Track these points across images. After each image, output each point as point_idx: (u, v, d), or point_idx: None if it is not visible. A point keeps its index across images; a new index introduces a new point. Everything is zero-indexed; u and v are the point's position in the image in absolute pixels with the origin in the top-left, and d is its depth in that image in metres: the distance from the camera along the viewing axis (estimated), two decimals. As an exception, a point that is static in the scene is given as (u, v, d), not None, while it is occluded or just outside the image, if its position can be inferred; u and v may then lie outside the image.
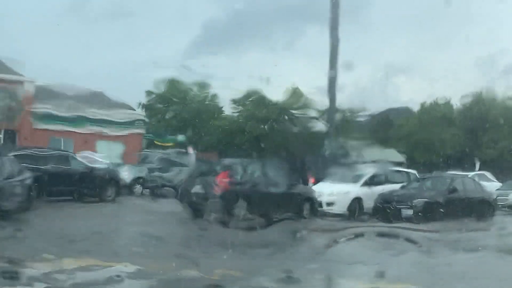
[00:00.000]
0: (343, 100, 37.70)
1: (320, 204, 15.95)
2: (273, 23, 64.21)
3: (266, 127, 41.57)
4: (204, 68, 58.20)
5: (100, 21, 60.06)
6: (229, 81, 61.00)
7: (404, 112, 46.26)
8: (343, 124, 38.41)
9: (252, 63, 57.94)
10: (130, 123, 34.36)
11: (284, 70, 56.52)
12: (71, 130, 30.80)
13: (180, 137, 38.45)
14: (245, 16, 62.09)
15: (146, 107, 41.90)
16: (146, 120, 38.07)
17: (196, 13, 71.93)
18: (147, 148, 32.42)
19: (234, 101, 41.94)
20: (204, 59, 60.14)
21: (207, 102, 43.54)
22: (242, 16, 60.75)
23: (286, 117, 41.57)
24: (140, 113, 38.26)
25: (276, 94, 41.44)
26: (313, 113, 41.38)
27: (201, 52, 73.12)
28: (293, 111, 41.42)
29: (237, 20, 61.60)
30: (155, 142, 36.70)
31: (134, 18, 65.70)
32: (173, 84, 42.49)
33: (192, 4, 69.22)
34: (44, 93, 30.11)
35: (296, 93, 40.97)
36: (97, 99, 33.99)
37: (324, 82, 30.82)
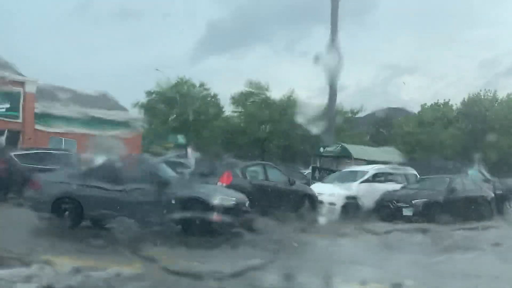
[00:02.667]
0: (344, 100, 37.78)
1: (321, 203, 16.04)
2: (277, 24, 64.33)
3: (267, 128, 41.52)
4: (207, 68, 58.11)
5: (105, 22, 60.29)
6: (231, 81, 61.06)
7: (403, 112, 46.36)
8: (343, 124, 38.47)
9: (256, 63, 58.13)
10: (130, 124, 34.40)
11: (287, 71, 56.69)
12: (73, 130, 30.87)
13: (180, 139, 38.46)
14: (250, 17, 62.27)
15: (146, 107, 41.70)
16: (144, 123, 38.04)
17: (200, 14, 72.22)
18: (147, 149, 32.45)
19: (234, 101, 41.88)
20: (207, 59, 60.23)
21: (207, 102, 43.42)
22: (247, 16, 60.86)
23: (287, 118, 41.45)
24: (139, 116, 38.28)
25: (278, 94, 41.56)
26: (313, 114, 41.30)
27: (204, 52, 73.35)
28: (294, 112, 41.33)
29: (241, 20, 61.74)
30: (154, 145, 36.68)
31: (138, 18, 65.86)
32: (179, 83, 42.27)
33: (196, 5, 69.33)
34: (47, 94, 30.19)
35: (294, 96, 41.03)
36: (100, 100, 34.07)
37: (326, 82, 30.87)
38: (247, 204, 11.11)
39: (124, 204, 10.44)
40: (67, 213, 10.72)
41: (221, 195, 10.70)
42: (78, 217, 10.81)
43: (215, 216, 10.10)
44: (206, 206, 10.23)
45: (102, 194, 10.68)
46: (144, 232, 10.29)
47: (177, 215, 10.15)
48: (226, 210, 10.33)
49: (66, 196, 10.81)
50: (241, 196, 11.22)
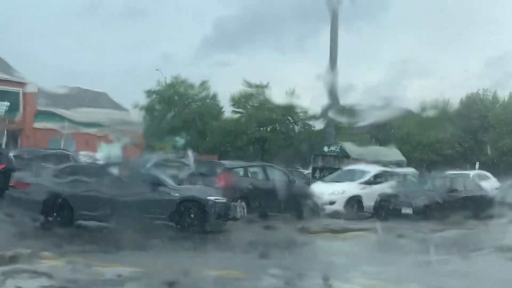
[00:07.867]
0: (349, 100, 37.40)
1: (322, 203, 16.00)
2: (284, 22, 64.07)
3: (268, 129, 41.33)
4: (212, 67, 57.88)
5: (111, 21, 60.10)
6: (236, 80, 60.83)
7: (403, 111, 46.09)
8: (343, 124, 38.28)
9: (261, 62, 57.92)
10: (129, 124, 34.38)
11: (292, 69, 56.58)
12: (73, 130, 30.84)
13: (179, 139, 38.42)
14: (256, 15, 62.02)
15: (146, 108, 41.62)
16: (144, 122, 38.03)
17: (207, 12, 72.05)
18: (146, 149, 32.41)
19: (234, 102, 41.73)
20: (212, 58, 60.03)
21: (207, 101, 43.24)
22: (253, 15, 60.57)
23: (289, 118, 41.31)
24: (138, 115, 38.29)
25: (281, 92, 41.32)
26: (313, 114, 41.25)
27: (209, 51, 73.19)
28: (295, 113, 41.24)
29: (247, 19, 61.55)
30: (154, 144, 36.63)
31: (144, 18, 65.61)
32: (175, 83, 42.17)
33: (203, 3, 69.17)
34: (48, 93, 30.15)
35: (294, 95, 40.83)
36: (99, 99, 34.06)
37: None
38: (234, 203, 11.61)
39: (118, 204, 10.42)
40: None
41: (214, 195, 11.02)
42: (69, 217, 10.64)
43: (209, 214, 10.48)
44: (201, 205, 10.54)
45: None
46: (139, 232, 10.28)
47: (173, 213, 10.37)
48: (218, 208, 10.71)
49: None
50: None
